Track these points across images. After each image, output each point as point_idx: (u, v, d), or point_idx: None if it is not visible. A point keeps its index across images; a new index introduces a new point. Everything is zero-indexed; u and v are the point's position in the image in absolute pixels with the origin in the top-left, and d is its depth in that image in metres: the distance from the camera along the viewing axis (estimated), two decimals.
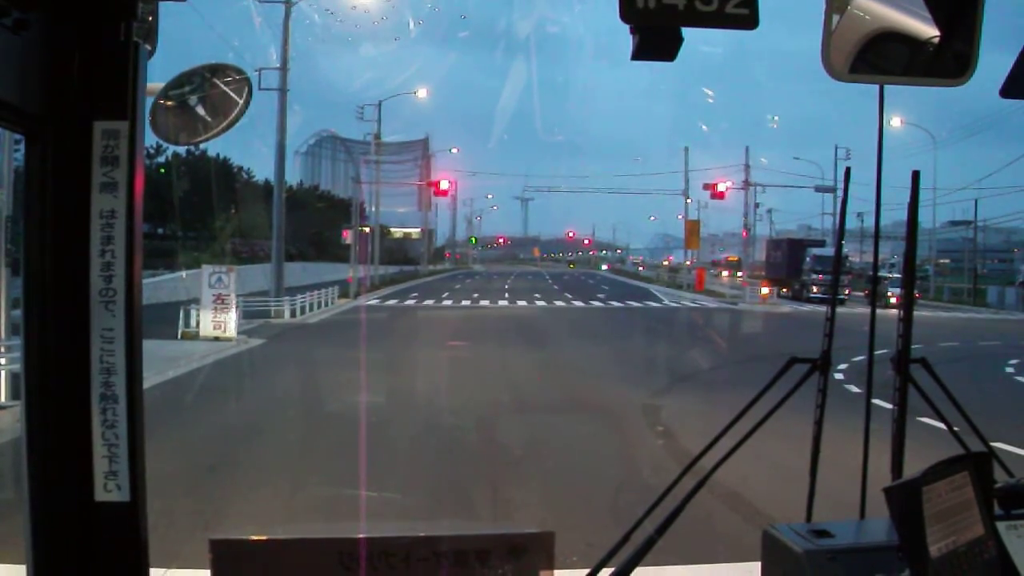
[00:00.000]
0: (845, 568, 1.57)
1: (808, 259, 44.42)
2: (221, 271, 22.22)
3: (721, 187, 49.85)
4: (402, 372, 15.82)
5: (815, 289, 42.25)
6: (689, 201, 60.15)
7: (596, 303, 41.14)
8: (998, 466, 1.75)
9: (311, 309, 30.30)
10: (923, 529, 1.42)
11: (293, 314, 28.54)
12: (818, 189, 57.44)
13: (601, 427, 11.15)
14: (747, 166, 52.74)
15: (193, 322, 21.83)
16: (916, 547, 1.42)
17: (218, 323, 21.44)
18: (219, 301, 21.57)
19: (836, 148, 55.87)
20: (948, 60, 1.61)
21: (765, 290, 44.26)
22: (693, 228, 55.25)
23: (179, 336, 21.10)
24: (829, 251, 42.16)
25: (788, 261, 47.81)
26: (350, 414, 11.43)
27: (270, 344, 21.39)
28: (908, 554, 1.45)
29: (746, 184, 52.65)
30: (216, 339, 20.91)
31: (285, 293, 30.29)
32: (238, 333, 21.91)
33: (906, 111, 47.89)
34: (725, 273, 74.82)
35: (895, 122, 46.80)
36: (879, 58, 1.65)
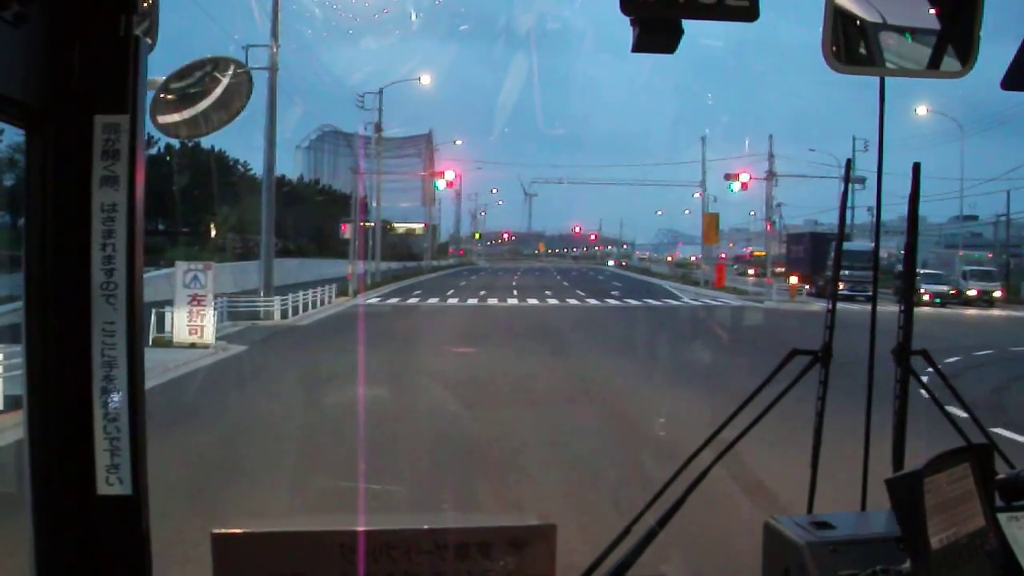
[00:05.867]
0: (846, 560, 1.63)
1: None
2: (197, 268, 20.53)
3: (744, 177, 49.51)
4: (403, 390, 13.92)
5: (841, 285, 41.77)
6: (698, 196, 59.90)
7: (612, 301, 40.61)
8: (999, 457, 1.82)
9: (305, 309, 29.41)
10: (924, 521, 1.47)
11: (284, 315, 27.45)
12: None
13: (643, 453, 9.58)
14: (771, 155, 52.18)
15: (168, 326, 20.18)
16: (917, 538, 1.48)
17: (194, 327, 19.93)
18: (195, 303, 20.02)
19: (854, 140, 55.17)
20: (949, 52, 1.67)
21: (794, 279, 44.05)
22: (711, 222, 53.85)
23: (150, 342, 18.76)
24: (856, 245, 42.04)
25: (811, 256, 47.38)
26: (337, 446, 9.88)
27: (251, 352, 19.93)
28: (909, 545, 1.50)
29: (769, 175, 52.25)
30: (192, 345, 19.50)
31: (279, 291, 29.32)
32: (218, 338, 20.49)
33: (931, 100, 47.68)
34: (751, 271, 73.03)
35: (920, 111, 46.70)
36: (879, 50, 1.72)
